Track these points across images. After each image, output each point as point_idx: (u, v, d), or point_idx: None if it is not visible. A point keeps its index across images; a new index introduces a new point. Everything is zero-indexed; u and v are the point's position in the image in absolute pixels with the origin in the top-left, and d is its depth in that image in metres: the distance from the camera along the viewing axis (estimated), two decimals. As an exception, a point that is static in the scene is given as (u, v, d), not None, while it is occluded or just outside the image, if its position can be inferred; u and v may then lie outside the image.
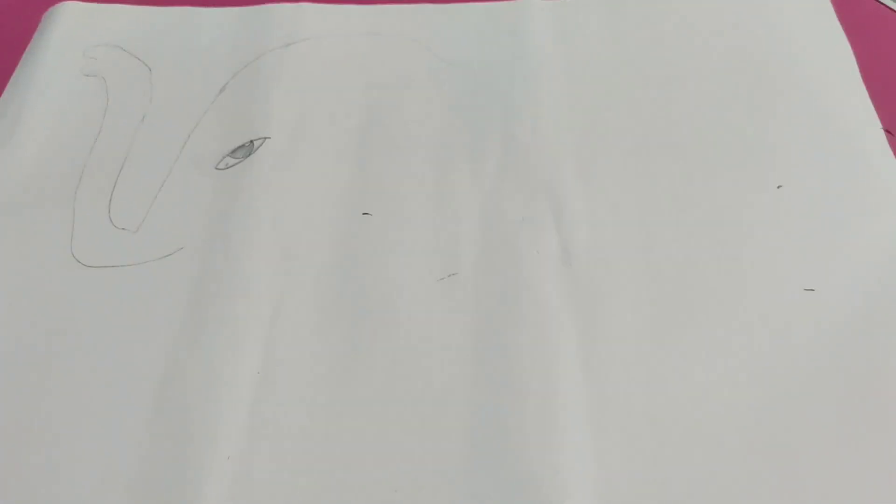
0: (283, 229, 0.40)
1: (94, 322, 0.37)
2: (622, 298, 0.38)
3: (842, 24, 0.49)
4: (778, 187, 0.42)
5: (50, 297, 0.38)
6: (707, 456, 0.33)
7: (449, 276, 0.38)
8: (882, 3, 0.52)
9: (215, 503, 0.32)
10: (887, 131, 0.44)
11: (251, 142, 0.44)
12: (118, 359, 0.36)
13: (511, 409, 0.34)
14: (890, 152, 0.43)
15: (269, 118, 0.45)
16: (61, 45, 0.49)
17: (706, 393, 0.35)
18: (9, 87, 0.48)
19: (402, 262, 0.39)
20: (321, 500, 0.32)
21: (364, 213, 0.41)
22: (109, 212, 0.41)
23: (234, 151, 0.44)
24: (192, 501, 0.32)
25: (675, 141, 0.44)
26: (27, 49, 0.50)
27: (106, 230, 0.41)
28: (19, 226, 0.41)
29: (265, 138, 0.44)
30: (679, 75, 0.47)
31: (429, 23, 0.50)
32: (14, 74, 0.48)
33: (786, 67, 0.47)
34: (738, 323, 0.37)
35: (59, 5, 0.52)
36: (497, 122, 0.45)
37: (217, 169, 0.43)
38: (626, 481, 0.32)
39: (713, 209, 0.41)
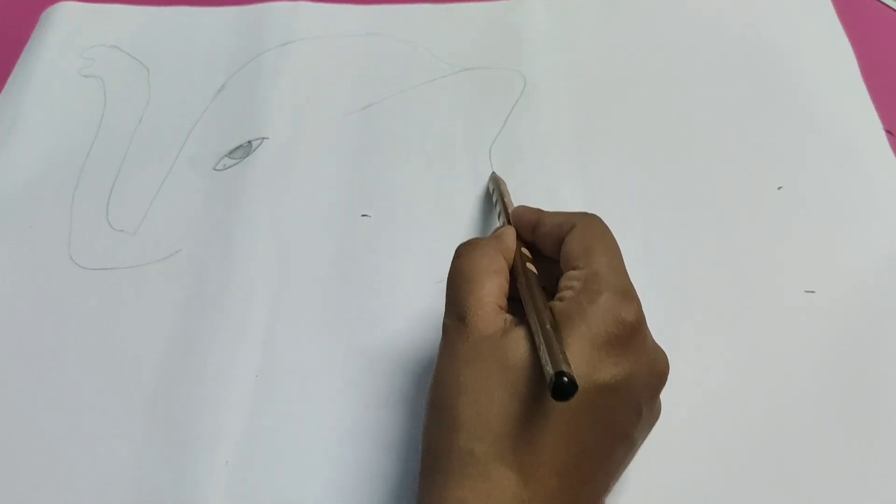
0: (281, 231, 0.40)
1: (91, 324, 0.37)
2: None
3: (842, 23, 0.49)
4: (778, 188, 0.42)
5: (47, 299, 0.38)
6: (707, 458, 0.33)
7: (448, 278, 0.38)
8: (882, 3, 0.52)
9: (214, 507, 0.32)
10: (888, 132, 0.44)
11: (249, 142, 0.44)
12: (115, 362, 0.36)
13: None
14: (890, 153, 0.43)
15: (268, 118, 0.45)
16: (59, 46, 0.49)
17: (706, 394, 0.35)
18: (6, 88, 0.48)
19: (400, 265, 0.39)
20: (320, 504, 0.32)
21: (363, 215, 0.41)
22: (107, 214, 0.41)
23: (232, 152, 0.44)
24: (190, 506, 0.32)
25: (675, 142, 0.44)
26: (24, 49, 0.50)
27: (104, 232, 0.41)
28: (17, 228, 0.41)
29: (263, 139, 0.44)
30: (679, 75, 0.47)
31: (428, 23, 0.50)
32: (11, 75, 0.48)
33: (786, 67, 0.47)
34: (738, 324, 0.37)
35: (56, 5, 0.52)
36: (497, 123, 0.45)
37: (215, 170, 0.43)
38: (628, 484, 0.32)
39: (713, 210, 0.41)
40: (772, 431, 0.34)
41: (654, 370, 0.28)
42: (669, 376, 0.35)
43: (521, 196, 0.41)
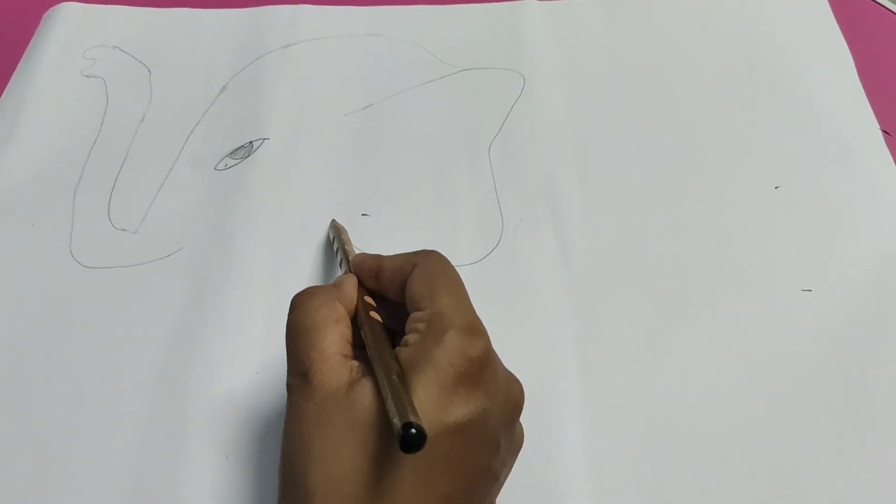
0: (281, 230, 0.40)
1: (92, 323, 0.37)
2: (620, 299, 0.38)
3: (839, 24, 0.50)
4: (775, 188, 0.42)
5: (49, 297, 0.38)
6: (703, 455, 0.33)
7: (447, 276, 0.38)
8: (880, 4, 0.52)
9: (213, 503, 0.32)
10: (884, 132, 0.44)
11: (250, 143, 0.44)
12: (116, 359, 0.36)
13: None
14: (887, 153, 0.43)
15: (269, 119, 0.45)
16: (61, 46, 0.50)
17: (703, 393, 0.35)
18: (8, 88, 0.48)
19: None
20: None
21: (363, 215, 0.41)
22: (109, 212, 0.41)
23: (233, 152, 0.44)
24: (190, 502, 0.32)
25: (673, 142, 0.44)
26: (27, 50, 0.50)
27: (105, 231, 0.41)
28: (18, 226, 0.41)
29: (264, 139, 0.44)
30: (677, 76, 0.47)
31: (428, 23, 0.51)
32: (13, 75, 0.48)
33: (783, 68, 0.47)
34: (735, 323, 0.37)
35: (58, 6, 0.52)
36: (496, 123, 0.45)
37: (216, 170, 0.43)
38: (623, 482, 0.32)
39: (711, 210, 0.41)
40: (768, 430, 0.34)
41: (508, 400, 0.27)
42: (668, 376, 0.35)
43: (519, 196, 0.42)
